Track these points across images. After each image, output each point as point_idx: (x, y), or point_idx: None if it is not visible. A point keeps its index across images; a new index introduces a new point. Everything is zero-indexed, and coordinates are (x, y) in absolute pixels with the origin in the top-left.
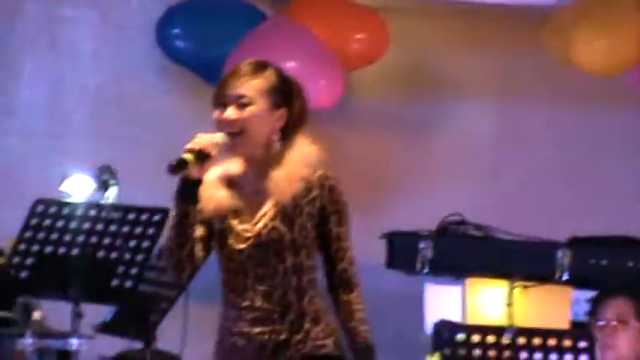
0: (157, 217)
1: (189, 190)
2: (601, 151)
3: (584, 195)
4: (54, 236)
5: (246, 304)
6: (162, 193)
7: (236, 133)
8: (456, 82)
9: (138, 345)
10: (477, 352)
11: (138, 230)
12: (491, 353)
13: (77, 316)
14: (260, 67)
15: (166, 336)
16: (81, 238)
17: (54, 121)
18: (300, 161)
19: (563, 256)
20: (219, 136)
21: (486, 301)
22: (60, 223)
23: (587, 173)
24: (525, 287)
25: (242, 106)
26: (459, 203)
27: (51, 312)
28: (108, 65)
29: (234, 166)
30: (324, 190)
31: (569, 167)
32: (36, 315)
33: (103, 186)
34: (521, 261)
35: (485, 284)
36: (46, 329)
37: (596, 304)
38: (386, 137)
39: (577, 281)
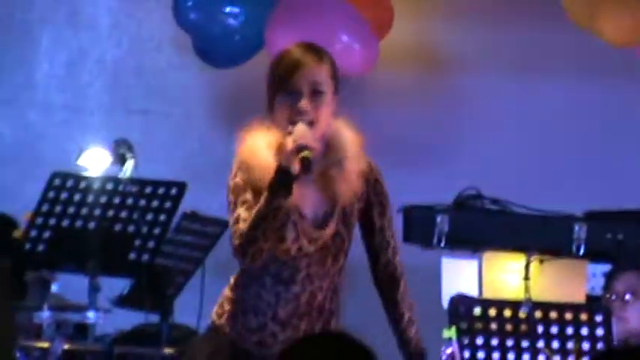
0: (174, 191)
1: (289, 184)
2: (620, 126)
3: (601, 169)
4: (71, 210)
5: (289, 296)
6: (178, 167)
7: (310, 122)
8: (473, 56)
9: (155, 318)
10: (494, 326)
11: (155, 204)
12: (508, 327)
13: (94, 289)
14: (320, 53)
15: (183, 309)
16: (98, 212)
17: (72, 94)
18: (354, 156)
19: (580, 230)
20: (307, 132)
21: (503, 275)
22: (77, 197)
23: (605, 147)
24: (542, 261)
25: (317, 93)
26: (475, 177)
27: (68, 285)
28: (126, 38)
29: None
30: (371, 182)
31: (586, 141)
32: (53, 288)
33: (121, 159)
34: (538, 235)
35: (501, 258)
36: (64, 302)
37: (609, 279)
38: (401, 113)
39: (593, 255)
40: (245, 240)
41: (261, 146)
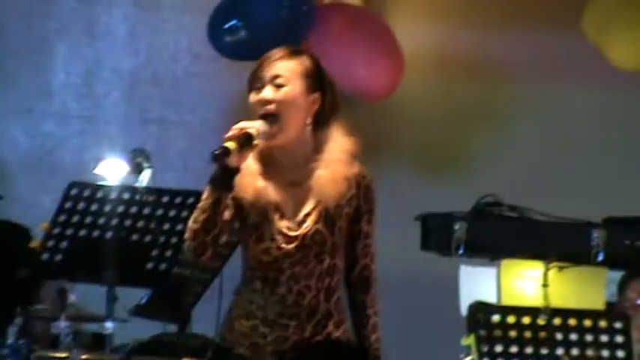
0: (190, 200)
1: (225, 178)
2: (637, 133)
3: (620, 175)
4: (88, 219)
5: (275, 298)
6: (195, 176)
7: (272, 115)
8: (495, 63)
9: (172, 328)
10: (513, 333)
11: (172, 213)
12: (527, 334)
13: (112, 299)
14: (295, 51)
15: (201, 319)
16: (115, 221)
17: (89, 104)
18: (343, 160)
19: (598, 237)
20: (258, 124)
21: (521, 282)
22: (94, 207)
23: (624, 153)
24: (560, 268)
25: (278, 86)
26: (494, 184)
27: (86, 295)
28: (142, 48)
29: (267, 153)
30: (361, 189)
31: (605, 147)
32: (71, 298)
33: (137, 169)
34: (557, 242)
35: (520, 265)
36: (81, 312)
37: (624, 286)
38: (421, 120)
39: (612, 262)
40: (189, 235)
41: (247, 164)
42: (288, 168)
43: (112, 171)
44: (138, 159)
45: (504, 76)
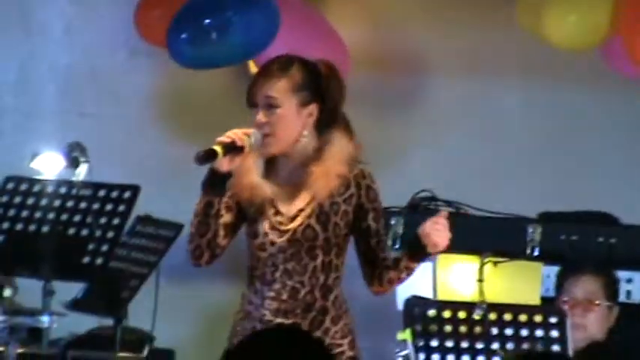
0: (127, 194)
1: (216, 182)
2: (572, 128)
3: (555, 171)
4: (24, 213)
5: (271, 294)
6: (132, 170)
7: (267, 134)
8: (427, 58)
9: (109, 322)
10: (448, 327)
11: (108, 207)
12: (463, 329)
13: (48, 293)
14: (286, 65)
15: (137, 313)
16: (51, 216)
17: (25, 98)
18: (338, 158)
19: (534, 232)
20: (252, 132)
21: (457, 277)
22: (30, 201)
23: (558, 149)
24: (496, 263)
25: (270, 107)
26: (429, 179)
27: (22, 289)
28: (78, 42)
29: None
30: (361, 189)
31: (540, 143)
32: (7, 292)
33: (74, 163)
34: (492, 237)
35: (455, 260)
36: (17, 306)
37: (562, 280)
38: (355, 115)
39: (547, 257)
40: (189, 239)
41: (246, 161)
42: (287, 168)
43: (49, 165)
44: (74, 153)
45: (440, 71)
